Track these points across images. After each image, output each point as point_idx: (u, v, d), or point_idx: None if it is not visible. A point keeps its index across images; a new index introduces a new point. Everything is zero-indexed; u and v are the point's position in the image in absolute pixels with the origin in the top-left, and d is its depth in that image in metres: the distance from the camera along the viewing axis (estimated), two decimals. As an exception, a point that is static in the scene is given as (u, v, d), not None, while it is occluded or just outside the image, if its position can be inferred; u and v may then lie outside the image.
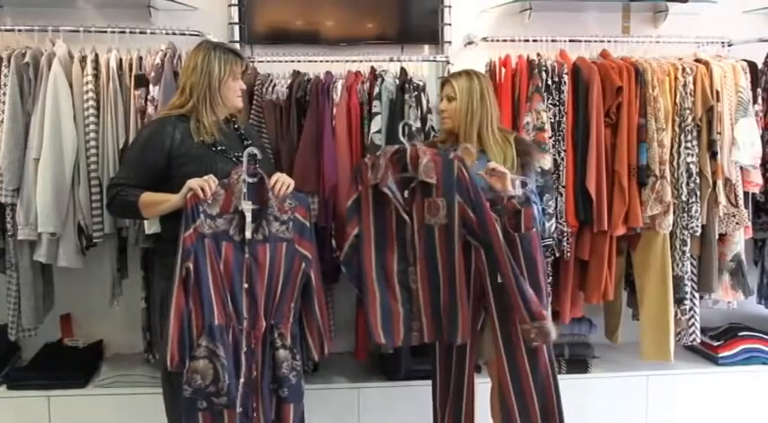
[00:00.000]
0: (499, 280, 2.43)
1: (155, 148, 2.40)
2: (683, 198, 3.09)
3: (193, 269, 2.29)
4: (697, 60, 3.21)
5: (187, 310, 2.30)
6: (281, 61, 3.17)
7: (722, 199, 3.15)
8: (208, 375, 2.30)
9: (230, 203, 2.34)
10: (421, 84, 3.06)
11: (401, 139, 2.54)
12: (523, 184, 2.49)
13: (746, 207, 3.21)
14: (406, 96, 3.00)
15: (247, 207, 2.33)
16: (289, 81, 3.05)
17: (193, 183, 2.30)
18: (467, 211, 2.43)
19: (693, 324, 3.23)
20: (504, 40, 3.27)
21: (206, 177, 2.32)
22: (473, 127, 2.62)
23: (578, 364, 3.33)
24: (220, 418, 2.33)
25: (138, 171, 2.41)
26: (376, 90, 2.99)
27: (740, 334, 3.44)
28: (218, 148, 2.44)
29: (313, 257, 2.46)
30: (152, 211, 2.41)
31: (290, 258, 2.40)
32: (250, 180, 2.37)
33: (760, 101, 3.27)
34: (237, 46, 3.16)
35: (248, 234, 2.34)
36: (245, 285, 2.35)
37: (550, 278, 3.07)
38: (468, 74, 2.69)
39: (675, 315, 3.18)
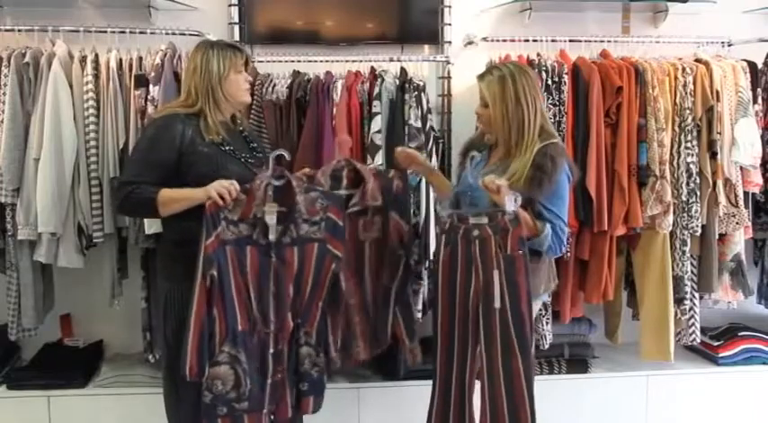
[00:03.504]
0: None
1: (165, 143, 2.36)
2: (683, 198, 3.09)
3: (216, 277, 2.26)
4: (697, 60, 3.21)
5: (209, 320, 2.27)
6: (281, 61, 3.17)
7: (722, 199, 3.15)
8: (229, 381, 2.29)
9: (251, 210, 2.29)
10: (421, 84, 3.06)
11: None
12: (516, 201, 2.31)
13: (746, 207, 3.21)
14: (407, 96, 3.00)
15: (270, 216, 2.29)
16: (289, 81, 3.05)
17: (212, 191, 2.25)
18: (401, 224, 2.45)
19: (693, 324, 3.23)
20: (504, 40, 3.27)
21: (227, 184, 2.26)
22: (511, 133, 2.44)
23: (578, 364, 3.33)
24: None
25: (150, 168, 2.36)
26: (376, 90, 2.99)
27: (740, 334, 3.44)
28: (227, 148, 2.42)
29: (343, 256, 2.41)
30: (170, 207, 2.34)
31: (321, 259, 2.36)
32: (276, 183, 2.33)
33: (760, 101, 3.27)
34: (237, 46, 3.16)
35: (272, 237, 2.30)
36: (273, 289, 2.32)
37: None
38: (502, 76, 2.44)
39: (675, 315, 3.18)
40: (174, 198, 2.33)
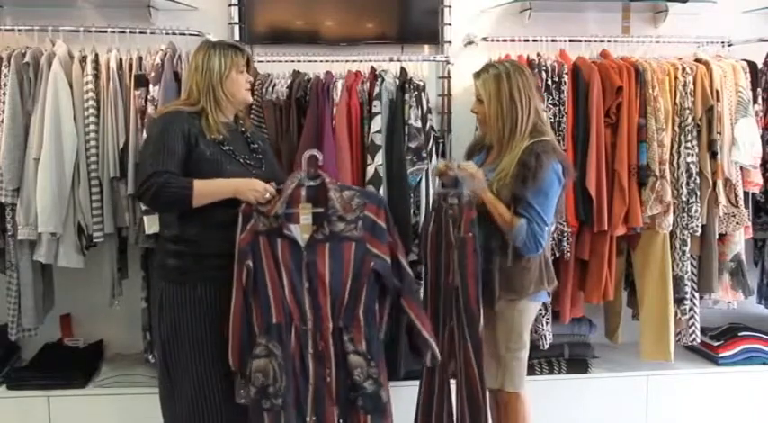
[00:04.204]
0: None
1: (176, 136, 2.35)
2: (683, 198, 3.09)
3: (251, 268, 2.29)
4: (697, 60, 3.21)
5: (246, 312, 2.29)
6: (281, 61, 3.17)
7: (722, 199, 3.15)
8: (269, 373, 2.28)
9: (274, 208, 2.32)
10: (421, 84, 3.06)
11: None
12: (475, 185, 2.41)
13: (746, 207, 3.21)
14: (407, 96, 3.00)
15: (305, 216, 2.31)
16: (289, 81, 3.05)
17: (249, 194, 2.31)
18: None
19: (693, 324, 3.23)
20: (504, 40, 3.27)
21: (261, 188, 2.32)
22: (504, 131, 2.48)
23: (578, 364, 3.33)
24: (278, 419, 2.28)
25: (169, 158, 2.32)
26: (376, 90, 2.98)
27: (740, 334, 3.44)
28: (227, 148, 2.43)
29: (388, 256, 2.34)
30: (204, 199, 2.33)
31: (360, 259, 2.31)
32: (310, 183, 2.34)
33: (760, 101, 3.27)
34: (237, 46, 3.16)
35: (296, 236, 2.30)
36: (306, 284, 2.31)
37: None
38: (497, 75, 2.48)
39: (675, 315, 3.18)
40: (204, 193, 2.33)
